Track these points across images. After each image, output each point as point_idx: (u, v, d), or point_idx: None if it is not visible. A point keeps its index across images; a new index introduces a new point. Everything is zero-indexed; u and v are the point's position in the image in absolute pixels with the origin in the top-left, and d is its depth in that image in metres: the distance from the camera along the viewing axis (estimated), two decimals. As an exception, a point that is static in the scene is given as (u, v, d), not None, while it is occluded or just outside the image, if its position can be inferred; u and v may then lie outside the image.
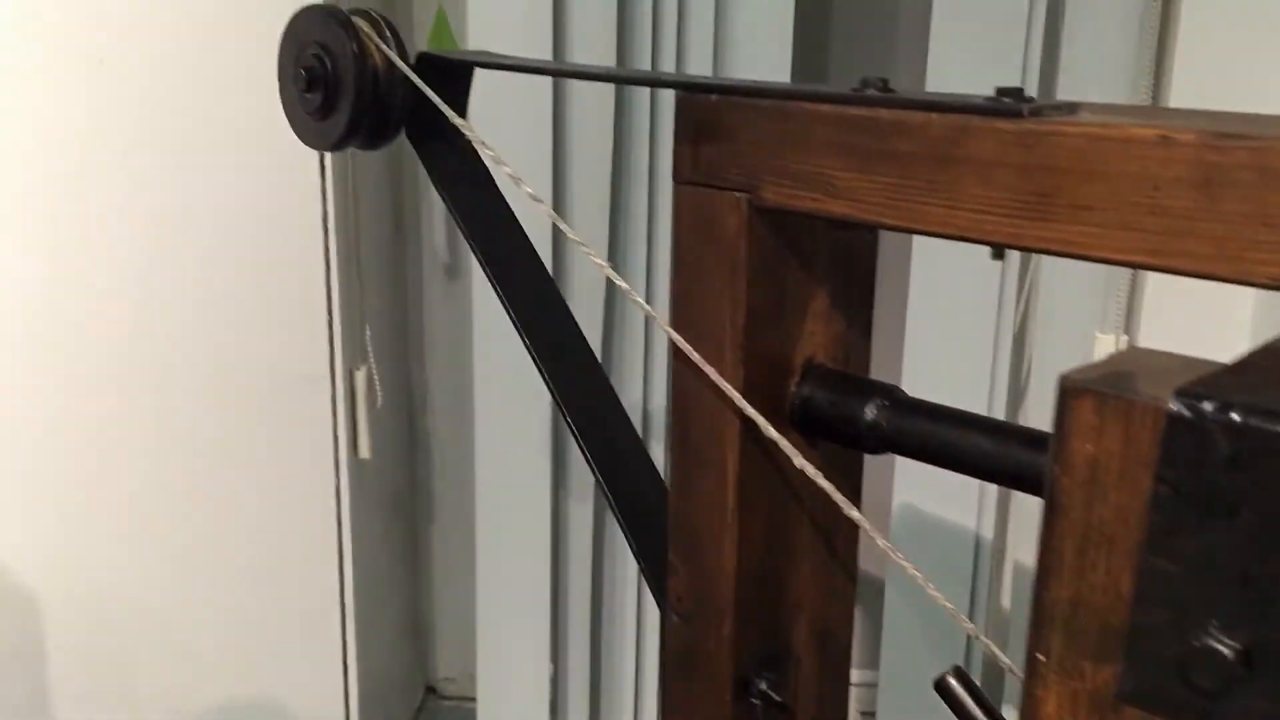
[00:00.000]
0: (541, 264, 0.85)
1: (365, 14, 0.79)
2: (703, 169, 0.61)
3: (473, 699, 1.74)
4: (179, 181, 1.48)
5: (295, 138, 0.84)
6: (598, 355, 1.19)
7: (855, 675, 1.12)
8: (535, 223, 0.86)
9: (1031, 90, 0.95)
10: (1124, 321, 1.46)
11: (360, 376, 1.56)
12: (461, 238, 1.80)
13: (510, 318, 0.78)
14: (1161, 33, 1.39)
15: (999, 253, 0.54)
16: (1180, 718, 0.40)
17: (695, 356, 0.63)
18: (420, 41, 1.71)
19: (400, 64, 0.78)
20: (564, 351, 0.81)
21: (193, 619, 1.63)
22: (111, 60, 1.44)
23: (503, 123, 1.38)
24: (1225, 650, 0.39)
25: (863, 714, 1.82)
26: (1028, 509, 1.60)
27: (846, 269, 0.67)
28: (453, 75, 0.81)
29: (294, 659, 1.62)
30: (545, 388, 0.77)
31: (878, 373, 0.69)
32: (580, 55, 1.46)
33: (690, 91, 0.62)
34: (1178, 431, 0.38)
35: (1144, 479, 0.40)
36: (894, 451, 0.64)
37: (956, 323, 1.51)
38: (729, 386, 0.61)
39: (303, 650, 1.60)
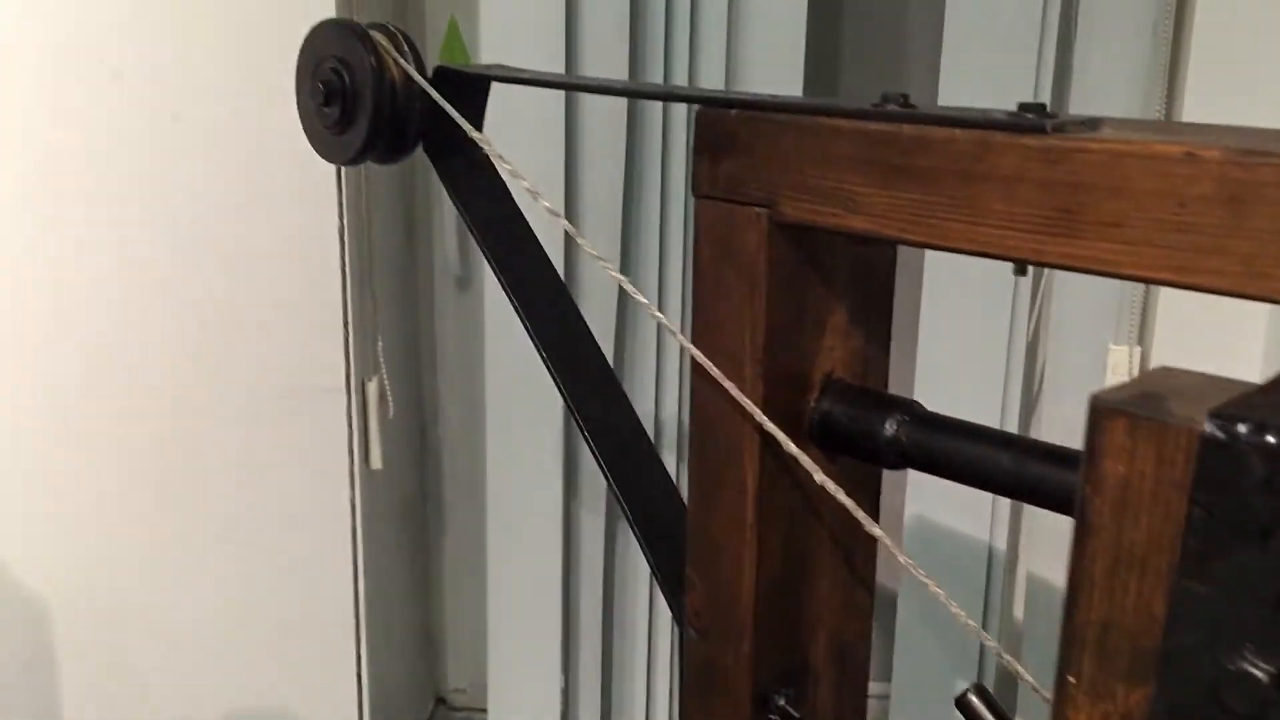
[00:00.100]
0: (558, 277, 0.85)
1: (383, 28, 0.79)
2: (722, 184, 0.61)
3: (483, 710, 1.73)
4: (196, 195, 1.48)
5: (312, 151, 0.84)
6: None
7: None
8: (547, 234, 0.86)
9: (1043, 101, 0.95)
10: (1138, 333, 1.46)
11: (372, 387, 1.56)
12: (473, 249, 1.82)
13: (527, 331, 0.78)
14: (1175, 46, 1.39)
15: (1022, 269, 0.54)
16: (1212, 741, 0.40)
17: (715, 372, 0.62)
18: (433, 50, 1.71)
19: (418, 78, 0.78)
20: (581, 366, 0.80)
21: (205, 628, 1.63)
22: (129, 73, 1.44)
23: (514, 134, 1.38)
24: (1259, 674, 0.38)
25: (875, 726, 1.81)
26: (1041, 520, 1.59)
27: (866, 284, 0.66)
28: (470, 89, 0.81)
29: (306, 669, 1.61)
30: (557, 398, 0.77)
31: (890, 383, 0.69)
32: (593, 66, 1.47)
33: (710, 106, 0.61)
34: (1211, 454, 0.38)
35: (1176, 500, 0.39)
36: (913, 467, 0.63)
37: (969, 333, 1.51)
38: (748, 402, 0.61)
39: (315, 660, 1.60)
